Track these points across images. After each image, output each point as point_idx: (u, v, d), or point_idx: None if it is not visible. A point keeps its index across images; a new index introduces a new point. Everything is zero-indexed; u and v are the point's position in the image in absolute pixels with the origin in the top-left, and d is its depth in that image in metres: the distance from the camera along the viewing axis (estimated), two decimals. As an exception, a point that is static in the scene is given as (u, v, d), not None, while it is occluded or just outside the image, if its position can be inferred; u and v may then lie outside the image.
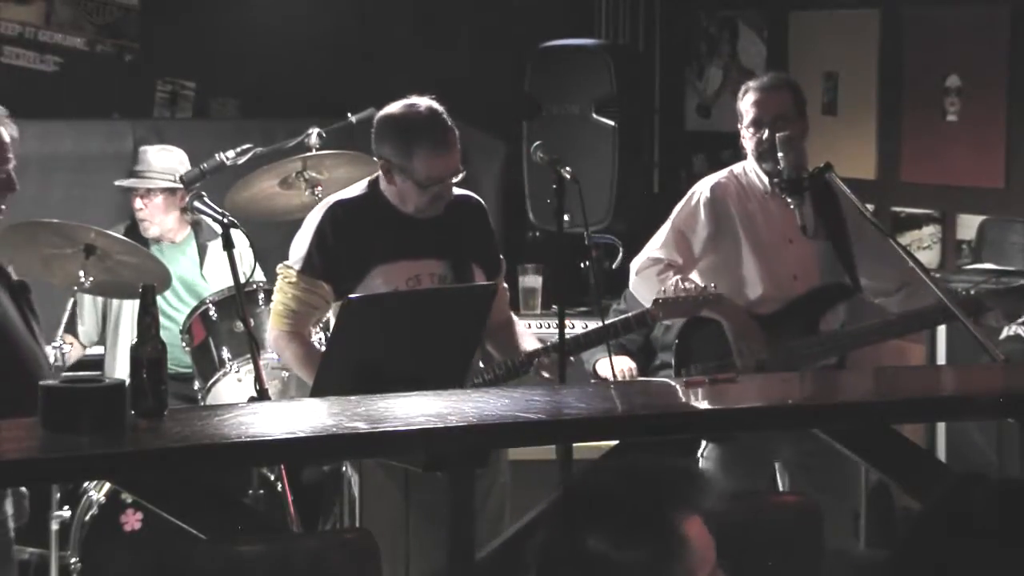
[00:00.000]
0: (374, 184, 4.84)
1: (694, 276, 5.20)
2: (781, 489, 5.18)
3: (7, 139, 4.11)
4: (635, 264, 5.26)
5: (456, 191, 4.83)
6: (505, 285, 5.06)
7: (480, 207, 4.95)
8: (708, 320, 5.10)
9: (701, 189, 5.27)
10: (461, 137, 4.79)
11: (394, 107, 4.78)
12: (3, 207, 4.15)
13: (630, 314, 5.11)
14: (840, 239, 5.22)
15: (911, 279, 5.17)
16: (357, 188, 4.88)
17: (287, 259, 4.84)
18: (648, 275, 5.18)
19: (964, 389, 4.80)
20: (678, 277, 5.12)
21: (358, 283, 4.72)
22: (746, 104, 5.18)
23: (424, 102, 4.76)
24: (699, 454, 5.08)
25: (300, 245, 4.82)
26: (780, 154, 5.09)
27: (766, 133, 5.13)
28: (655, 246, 5.23)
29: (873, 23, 7.29)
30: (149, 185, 6.32)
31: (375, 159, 4.82)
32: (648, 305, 5.17)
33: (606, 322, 5.07)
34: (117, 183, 6.48)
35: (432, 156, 4.70)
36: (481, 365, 4.93)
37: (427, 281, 4.78)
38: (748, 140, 5.20)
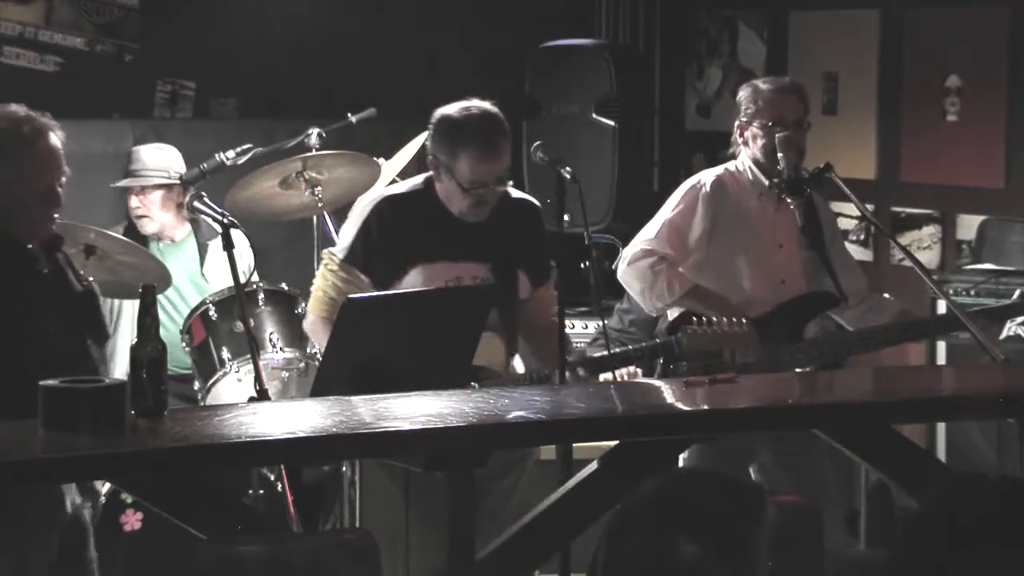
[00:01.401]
0: (429, 181, 4.86)
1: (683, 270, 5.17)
2: None
3: (59, 147, 4.12)
4: (626, 253, 5.21)
5: (514, 194, 4.85)
6: (554, 292, 5.01)
7: (535, 212, 4.94)
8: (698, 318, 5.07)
9: (703, 182, 5.21)
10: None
11: (451, 107, 4.80)
12: (57, 216, 4.18)
13: (658, 340, 5.04)
14: (821, 248, 5.22)
15: (871, 295, 5.24)
16: (412, 183, 4.92)
17: (332, 247, 4.92)
18: (641, 267, 5.13)
19: (964, 389, 4.80)
20: (671, 273, 5.09)
21: (397, 279, 4.76)
22: (763, 101, 5.15)
23: (481, 105, 4.77)
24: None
25: (346, 234, 4.88)
26: (780, 154, 5.09)
27: (782, 132, 5.11)
28: (647, 236, 5.18)
29: (873, 23, 7.29)
30: (144, 183, 6.35)
31: (428, 154, 4.84)
32: (638, 299, 5.17)
33: (632, 347, 5.03)
34: (113, 184, 6.50)
35: (475, 160, 4.69)
36: (520, 369, 4.92)
37: (468, 284, 4.78)
38: (760, 138, 5.15)
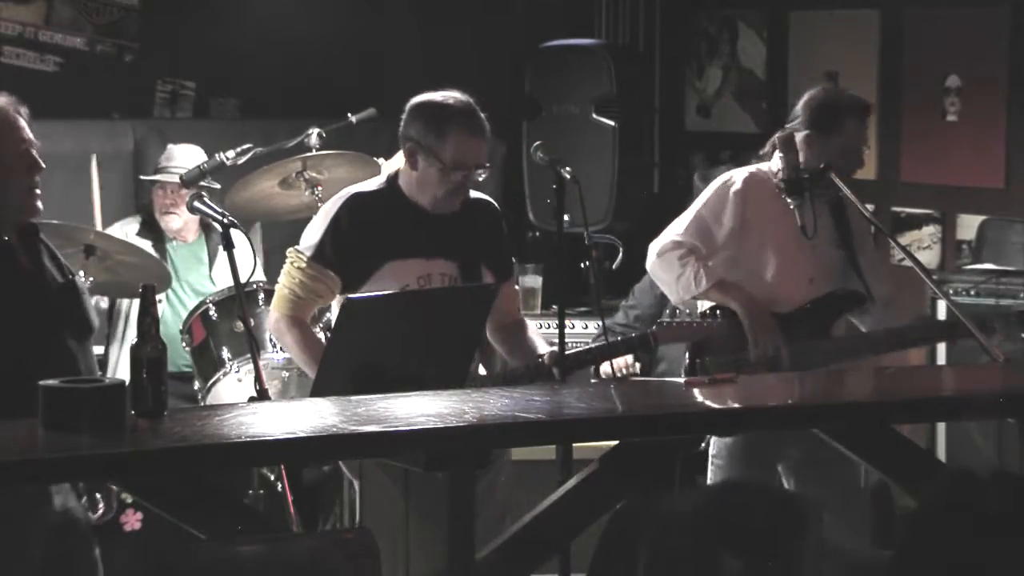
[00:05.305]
0: (392, 179, 4.83)
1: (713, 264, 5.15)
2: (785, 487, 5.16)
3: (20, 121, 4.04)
4: (656, 246, 5.16)
5: (472, 193, 4.83)
6: (516, 287, 5.06)
7: (494, 210, 4.93)
8: (723, 312, 5.07)
9: (735, 179, 5.17)
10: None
11: (430, 94, 4.79)
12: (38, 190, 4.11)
13: (633, 335, 5.07)
14: (851, 249, 5.21)
15: (897, 298, 5.21)
16: (376, 182, 4.88)
17: (297, 244, 4.83)
18: (670, 258, 5.11)
19: (964, 389, 4.80)
20: (699, 265, 5.06)
21: (368, 277, 4.71)
22: (840, 120, 5.13)
23: (461, 94, 4.79)
24: (704, 446, 5.08)
25: (314, 232, 4.79)
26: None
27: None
28: (678, 230, 5.14)
29: (873, 23, 7.29)
30: (170, 178, 6.38)
31: (402, 142, 4.80)
32: (666, 290, 5.16)
33: (608, 340, 5.02)
34: (143, 178, 6.55)
35: (464, 139, 4.69)
36: (482, 370, 4.92)
37: (437, 281, 4.76)
38: (814, 147, 5.11)
